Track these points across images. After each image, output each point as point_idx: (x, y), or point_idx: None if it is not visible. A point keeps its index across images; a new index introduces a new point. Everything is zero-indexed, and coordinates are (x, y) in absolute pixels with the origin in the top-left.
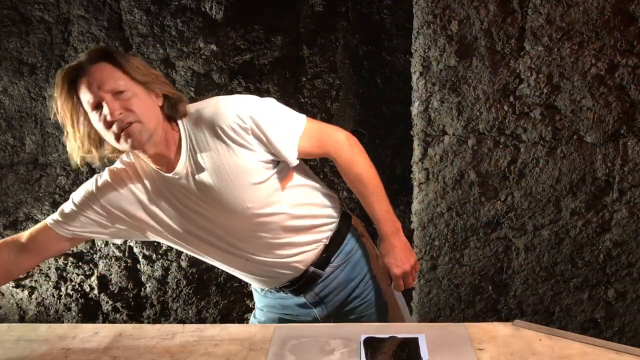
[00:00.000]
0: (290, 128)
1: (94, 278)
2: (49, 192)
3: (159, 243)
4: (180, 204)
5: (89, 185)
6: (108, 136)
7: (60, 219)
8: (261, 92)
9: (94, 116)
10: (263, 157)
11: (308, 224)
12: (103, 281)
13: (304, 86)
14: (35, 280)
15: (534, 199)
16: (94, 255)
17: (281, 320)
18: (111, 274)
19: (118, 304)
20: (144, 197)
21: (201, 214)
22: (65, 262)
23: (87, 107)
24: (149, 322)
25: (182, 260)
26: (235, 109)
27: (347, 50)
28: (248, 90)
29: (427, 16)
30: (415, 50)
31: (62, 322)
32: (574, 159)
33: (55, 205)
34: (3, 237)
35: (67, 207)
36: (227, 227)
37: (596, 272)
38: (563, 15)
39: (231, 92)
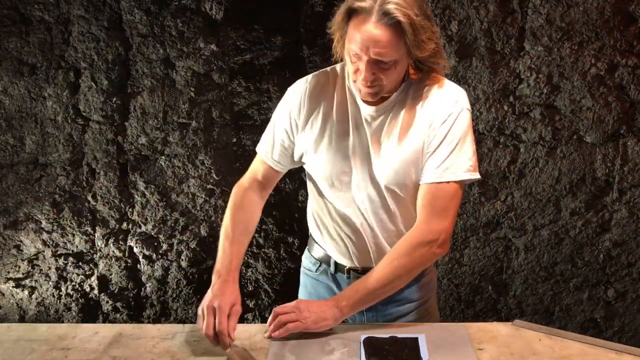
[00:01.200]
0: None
1: (94, 278)
2: (49, 192)
3: (158, 243)
4: (349, 135)
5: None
6: (352, 76)
7: (276, 160)
8: (261, 92)
9: (347, 57)
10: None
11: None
12: (103, 281)
13: None
14: (35, 280)
15: (534, 199)
16: (94, 255)
17: None
18: (111, 274)
19: (118, 304)
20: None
21: (360, 157)
22: (65, 262)
23: (348, 47)
24: (149, 322)
25: (182, 260)
26: (467, 105)
27: None
28: (248, 91)
29: None
30: None
31: (62, 322)
32: (574, 159)
33: (55, 206)
34: (3, 237)
35: (276, 144)
36: (371, 183)
37: (596, 272)
38: (563, 15)
39: (231, 92)
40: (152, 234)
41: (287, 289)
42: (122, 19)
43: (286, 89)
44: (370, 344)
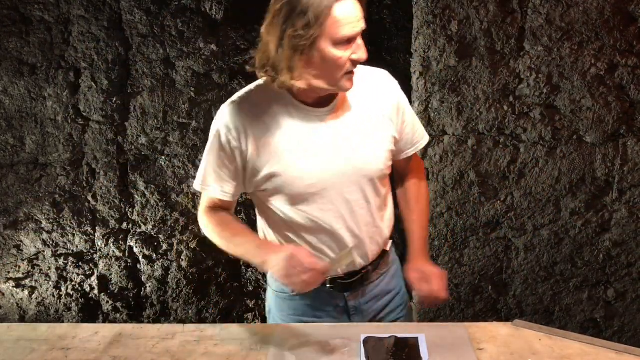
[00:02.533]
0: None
1: (94, 278)
2: (49, 192)
3: (158, 243)
4: (311, 141)
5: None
6: (336, 73)
7: (231, 193)
8: None
9: (336, 50)
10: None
11: (389, 215)
12: (103, 281)
13: None
14: (36, 280)
15: (534, 199)
16: (94, 255)
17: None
18: (111, 274)
19: (118, 304)
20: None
21: (330, 154)
22: (65, 262)
23: (334, 36)
24: (149, 322)
25: (182, 260)
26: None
27: None
28: None
29: (427, 16)
30: (415, 50)
31: (62, 322)
32: (574, 159)
33: (55, 206)
34: (3, 237)
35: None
36: (349, 182)
37: (596, 272)
38: (563, 15)
39: (231, 92)
40: (152, 234)
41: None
42: (122, 19)
43: None
44: (371, 344)
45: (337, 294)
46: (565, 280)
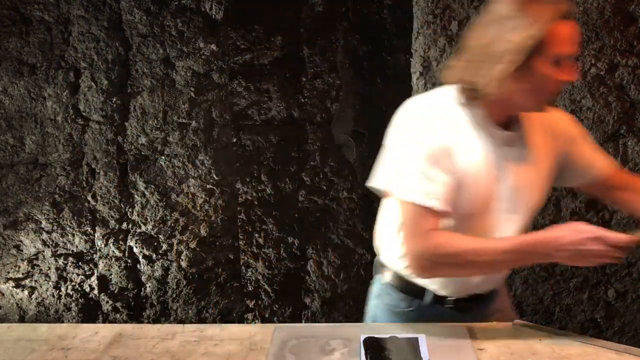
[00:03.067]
0: None
1: (94, 278)
2: (49, 192)
3: (158, 243)
4: (497, 163)
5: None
6: (542, 94)
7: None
8: (261, 92)
9: (548, 70)
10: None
11: None
12: (103, 281)
13: (304, 86)
14: (35, 280)
15: None
16: (94, 255)
17: None
18: (111, 274)
19: (118, 304)
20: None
21: (506, 182)
22: (65, 262)
23: (558, 52)
24: (149, 322)
25: (182, 260)
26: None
27: (347, 50)
28: (248, 91)
29: (427, 16)
30: (415, 50)
31: (62, 322)
32: None
33: (55, 206)
34: (3, 237)
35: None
36: (516, 210)
37: (596, 272)
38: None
39: (231, 92)
40: (152, 234)
41: (287, 289)
42: (122, 19)
43: (286, 89)
44: (371, 344)
45: (457, 314)
46: (565, 280)
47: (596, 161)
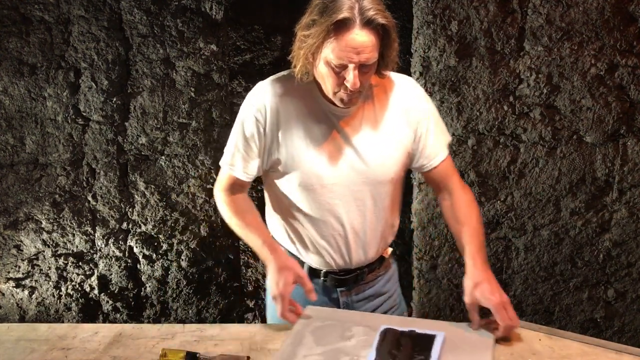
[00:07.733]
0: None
1: (94, 278)
2: (49, 192)
3: (158, 243)
4: (324, 136)
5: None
6: (329, 87)
7: (248, 172)
8: None
9: (327, 69)
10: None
11: (393, 223)
12: (103, 281)
13: None
14: (35, 280)
15: (534, 199)
16: (94, 255)
17: None
18: (111, 274)
19: (118, 304)
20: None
21: (341, 155)
22: (65, 262)
23: (330, 58)
24: (149, 322)
25: (182, 260)
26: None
27: None
28: (248, 91)
29: (427, 16)
30: (415, 50)
31: (62, 322)
32: (574, 159)
33: (55, 206)
34: (3, 237)
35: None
36: (359, 182)
37: (596, 272)
38: (563, 15)
39: (231, 92)
40: (152, 234)
41: None
42: (122, 19)
43: None
44: (387, 335)
45: (331, 288)
46: (565, 280)
47: (434, 152)
